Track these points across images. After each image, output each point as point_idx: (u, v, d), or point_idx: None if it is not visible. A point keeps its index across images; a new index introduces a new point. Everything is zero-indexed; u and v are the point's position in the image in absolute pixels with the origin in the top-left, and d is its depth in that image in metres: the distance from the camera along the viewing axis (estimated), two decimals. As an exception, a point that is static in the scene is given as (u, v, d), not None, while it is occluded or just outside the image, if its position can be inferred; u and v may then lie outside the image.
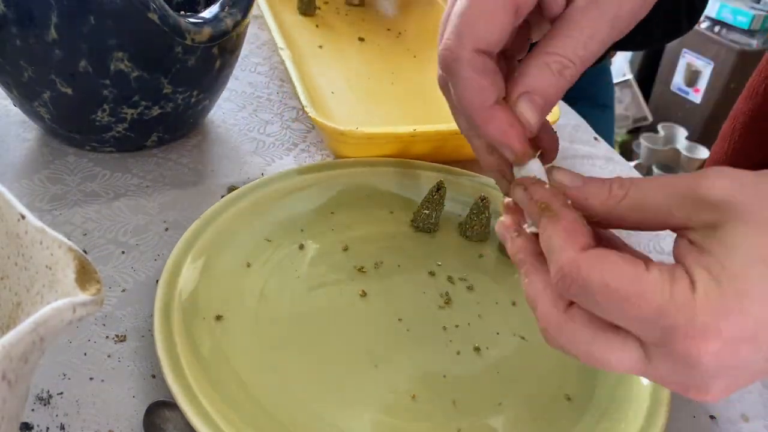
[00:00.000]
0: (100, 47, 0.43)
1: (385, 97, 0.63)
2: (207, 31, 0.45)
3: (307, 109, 0.51)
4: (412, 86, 0.66)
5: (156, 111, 0.49)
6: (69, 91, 0.45)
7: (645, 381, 0.38)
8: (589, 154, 0.63)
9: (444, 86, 0.35)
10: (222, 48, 0.49)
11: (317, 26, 0.74)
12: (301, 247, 0.45)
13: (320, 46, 0.70)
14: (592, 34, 0.29)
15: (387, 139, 0.51)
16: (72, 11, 0.41)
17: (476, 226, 0.47)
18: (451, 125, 0.51)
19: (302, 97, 0.53)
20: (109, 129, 0.49)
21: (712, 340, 0.22)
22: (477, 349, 0.40)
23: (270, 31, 0.64)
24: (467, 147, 0.54)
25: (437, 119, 0.53)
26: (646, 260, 0.25)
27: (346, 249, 0.46)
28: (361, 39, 0.73)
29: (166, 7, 0.42)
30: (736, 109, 0.65)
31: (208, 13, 0.47)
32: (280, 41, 0.61)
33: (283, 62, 0.58)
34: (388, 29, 0.75)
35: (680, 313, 0.23)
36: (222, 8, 0.47)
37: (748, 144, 0.64)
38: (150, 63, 0.45)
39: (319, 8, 0.77)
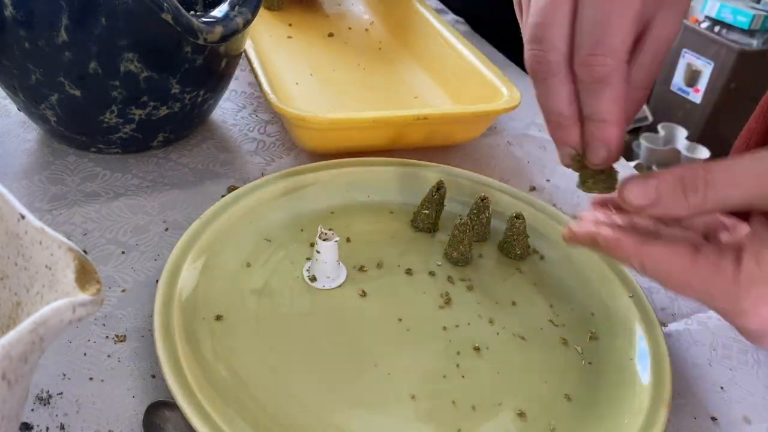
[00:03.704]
0: (111, 48, 0.43)
1: (350, 88, 0.64)
2: (219, 30, 0.45)
3: (270, 97, 0.51)
4: (378, 78, 0.67)
5: (164, 111, 0.49)
6: (77, 93, 0.45)
7: (645, 381, 0.38)
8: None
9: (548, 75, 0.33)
10: (228, 47, 0.49)
11: (290, 25, 0.74)
12: (301, 247, 0.45)
13: (289, 36, 0.71)
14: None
15: (348, 125, 0.51)
16: (83, 13, 0.41)
17: (476, 226, 0.47)
18: (412, 111, 0.52)
19: (264, 85, 0.52)
20: (117, 130, 0.49)
21: None
22: (477, 349, 0.40)
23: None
24: (433, 134, 0.55)
25: (403, 106, 0.54)
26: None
27: (346, 249, 0.46)
28: (331, 35, 0.74)
29: (180, 7, 0.42)
30: (749, 128, 0.64)
31: (218, 13, 0.47)
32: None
33: (246, 51, 0.58)
34: (350, 28, 0.76)
35: None
36: (232, 7, 0.47)
37: None
38: (160, 63, 0.45)
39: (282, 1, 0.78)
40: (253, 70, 0.55)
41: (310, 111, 0.50)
